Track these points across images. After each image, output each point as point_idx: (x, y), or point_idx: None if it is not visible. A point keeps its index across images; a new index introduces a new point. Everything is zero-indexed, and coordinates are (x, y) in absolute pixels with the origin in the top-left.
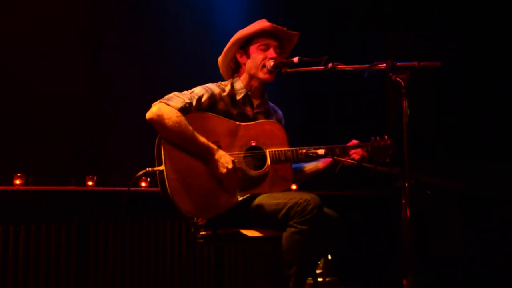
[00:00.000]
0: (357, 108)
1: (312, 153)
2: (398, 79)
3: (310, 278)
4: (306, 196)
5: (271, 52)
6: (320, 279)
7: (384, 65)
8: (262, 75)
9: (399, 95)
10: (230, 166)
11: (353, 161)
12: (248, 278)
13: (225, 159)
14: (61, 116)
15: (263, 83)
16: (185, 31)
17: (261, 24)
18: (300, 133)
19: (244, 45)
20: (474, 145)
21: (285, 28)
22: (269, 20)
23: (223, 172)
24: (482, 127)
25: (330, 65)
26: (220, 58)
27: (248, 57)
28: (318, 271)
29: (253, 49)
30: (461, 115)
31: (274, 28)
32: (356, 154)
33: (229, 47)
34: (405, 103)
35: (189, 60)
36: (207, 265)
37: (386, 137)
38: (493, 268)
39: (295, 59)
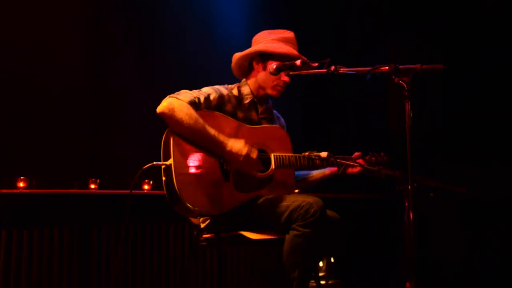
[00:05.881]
0: (358, 112)
1: (315, 156)
2: (400, 81)
3: (313, 281)
4: (309, 199)
5: (284, 75)
6: (323, 282)
7: (387, 67)
8: (270, 91)
9: (402, 98)
10: (244, 152)
11: (356, 164)
12: (250, 281)
13: (237, 147)
14: (64, 119)
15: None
16: (187, 33)
17: (290, 49)
18: (301, 138)
19: (264, 56)
20: (477, 148)
21: (308, 61)
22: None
23: (239, 160)
24: (484, 130)
25: (332, 68)
26: (238, 55)
27: (264, 69)
28: (321, 274)
29: (271, 65)
30: (464, 117)
31: (300, 58)
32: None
33: (251, 52)
34: (407, 106)
35: (191, 63)
36: (210, 268)
37: (382, 154)
38: (494, 270)
39: (298, 62)
